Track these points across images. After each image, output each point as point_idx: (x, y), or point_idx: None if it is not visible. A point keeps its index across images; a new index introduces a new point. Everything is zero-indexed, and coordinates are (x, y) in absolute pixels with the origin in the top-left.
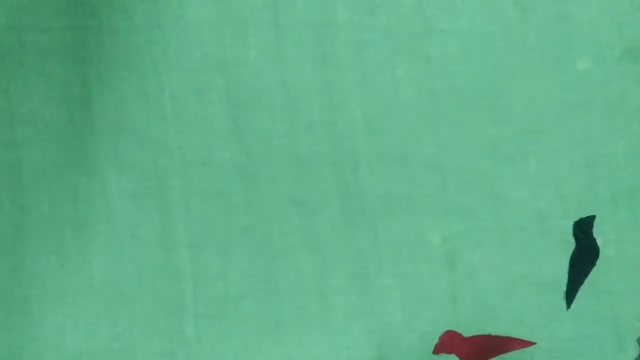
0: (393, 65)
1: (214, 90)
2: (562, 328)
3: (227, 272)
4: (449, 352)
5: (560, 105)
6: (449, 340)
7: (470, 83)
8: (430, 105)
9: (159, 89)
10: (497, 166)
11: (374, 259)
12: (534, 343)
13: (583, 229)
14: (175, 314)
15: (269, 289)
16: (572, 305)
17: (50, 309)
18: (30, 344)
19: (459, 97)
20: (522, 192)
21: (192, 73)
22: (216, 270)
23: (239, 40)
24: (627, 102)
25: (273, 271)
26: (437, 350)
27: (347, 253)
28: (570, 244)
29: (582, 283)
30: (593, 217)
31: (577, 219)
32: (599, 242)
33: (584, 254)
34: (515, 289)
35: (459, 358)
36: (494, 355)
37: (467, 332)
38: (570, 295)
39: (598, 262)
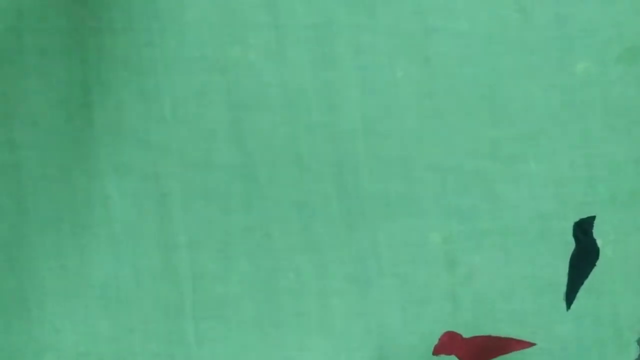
0: (393, 66)
1: (214, 91)
2: (562, 329)
3: (227, 273)
4: (449, 353)
5: (560, 106)
6: (449, 341)
7: (470, 84)
8: (430, 106)
9: (159, 90)
10: (497, 167)
11: (373, 260)
12: (534, 344)
13: (583, 229)
14: (174, 316)
15: (268, 290)
16: (572, 306)
17: (50, 311)
18: (29, 345)
19: (458, 99)
20: (522, 193)
21: (191, 74)
22: (216, 272)
23: (239, 41)
24: (627, 103)
25: (273, 273)
26: (437, 351)
27: (347, 254)
28: (570, 245)
29: (582, 284)
30: (593, 218)
31: (577, 219)
32: (599, 243)
33: (584, 255)
34: (515, 290)
35: (459, 359)
36: (494, 356)
37: (467, 333)
38: (570, 296)
39: (598, 263)
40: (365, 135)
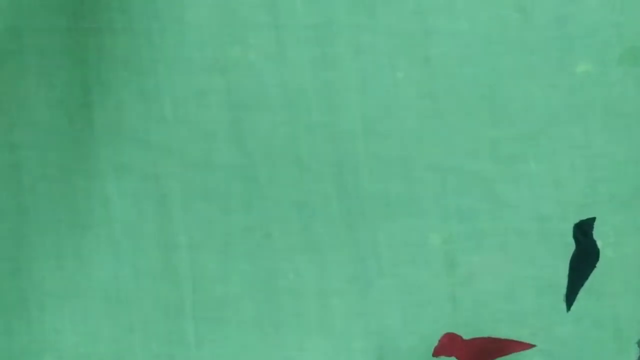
0: (393, 67)
1: (214, 91)
2: (562, 330)
3: (227, 274)
4: (449, 355)
5: (560, 107)
6: (449, 343)
7: (470, 85)
8: (430, 107)
9: (159, 90)
10: (497, 168)
11: (373, 261)
12: (534, 345)
13: (583, 231)
14: (174, 316)
15: (268, 291)
16: (572, 308)
17: (50, 311)
18: (29, 346)
19: (458, 99)
20: (522, 194)
21: (191, 74)
22: (216, 272)
23: (239, 41)
24: (627, 104)
25: (273, 273)
26: (436, 352)
27: (346, 255)
28: (570, 246)
29: (582, 285)
30: (593, 219)
31: (577, 221)
32: (599, 244)
33: (584, 256)
34: (515, 291)
35: None
36: (494, 358)
37: (467, 335)
38: (570, 297)
39: (598, 265)
40: (365, 135)
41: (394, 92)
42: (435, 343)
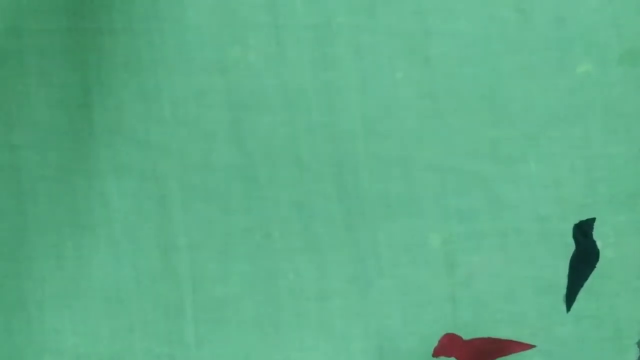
0: (393, 67)
1: (214, 92)
2: (562, 331)
3: (227, 274)
4: (449, 355)
5: (560, 107)
6: (449, 343)
7: (470, 85)
8: (429, 107)
9: (158, 91)
10: (497, 168)
11: (373, 262)
12: (534, 346)
13: (583, 231)
14: (174, 317)
15: (268, 291)
16: (572, 308)
17: (50, 312)
18: (29, 346)
19: (458, 99)
20: (522, 195)
21: (191, 75)
22: (215, 272)
23: (239, 42)
24: (627, 105)
25: (272, 274)
26: (436, 353)
27: (346, 255)
28: (570, 247)
29: (582, 286)
30: (593, 220)
31: (577, 221)
32: (599, 244)
33: (584, 257)
34: (515, 292)
35: None
36: (494, 358)
37: (466, 335)
38: (570, 297)
39: (598, 265)
40: (365, 135)
41: (393, 92)
42: (435, 343)
